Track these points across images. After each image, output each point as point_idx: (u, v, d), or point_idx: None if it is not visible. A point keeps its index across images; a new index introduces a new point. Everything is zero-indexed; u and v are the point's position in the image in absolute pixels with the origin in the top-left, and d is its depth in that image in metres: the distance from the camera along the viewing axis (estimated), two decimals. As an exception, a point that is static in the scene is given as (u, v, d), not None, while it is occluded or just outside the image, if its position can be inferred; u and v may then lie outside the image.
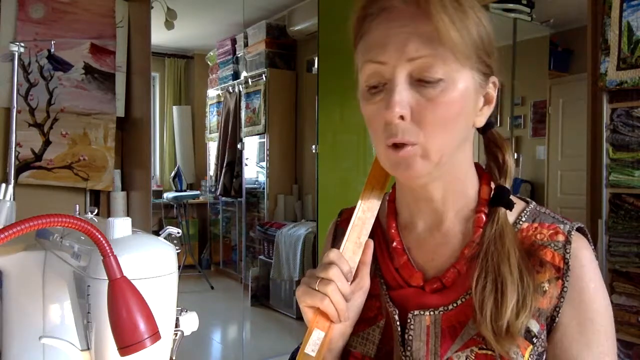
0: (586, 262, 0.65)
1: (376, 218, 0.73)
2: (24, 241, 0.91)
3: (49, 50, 2.34)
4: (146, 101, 2.53)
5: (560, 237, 0.66)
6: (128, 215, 1.33)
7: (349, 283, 0.67)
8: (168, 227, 0.81)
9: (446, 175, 0.67)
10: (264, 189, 4.68)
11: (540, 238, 0.66)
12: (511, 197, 0.69)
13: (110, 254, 0.55)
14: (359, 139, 3.03)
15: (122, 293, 0.55)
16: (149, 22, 2.47)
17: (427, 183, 0.67)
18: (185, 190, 5.03)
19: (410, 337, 0.66)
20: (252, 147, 4.87)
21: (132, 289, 0.56)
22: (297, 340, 0.67)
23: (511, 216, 0.69)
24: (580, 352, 0.63)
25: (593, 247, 0.67)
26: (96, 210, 0.92)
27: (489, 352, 0.62)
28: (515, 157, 3.58)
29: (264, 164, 4.68)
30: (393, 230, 0.73)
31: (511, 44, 3.27)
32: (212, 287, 4.77)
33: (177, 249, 0.73)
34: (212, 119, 5.24)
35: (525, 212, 0.70)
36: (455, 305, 0.66)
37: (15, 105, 2.03)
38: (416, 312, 0.67)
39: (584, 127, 2.10)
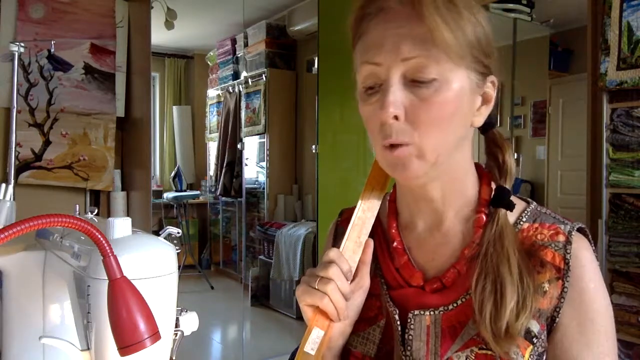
0: (586, 263, 0.65)
1: (377, 218, 0.74)
2: (24, 241, 0.91)
3: (49, 50, 2.34)
4: (146, 101, 2.53)
5: (561, 238, 0.66)
6: (128, 215, 1.33)
7: (349, 282, 0.68)
8: (168, 227, 0.81)
9: (445, 175, 0.67)
10: (264, 189, 4.68)
11: (541, 238, 0.66)
12: (512, 197, 0.69)
13: (110, 254, 0.55)
14: (359, 139, 3.03)
15: (122, 293, 0.55)
16: (149, 22, 2.47)
17: (425, 183, 0.67)
18: (185, 190, 5.03)
19: (410, 337, 0.66)
20: (252, 147, 4.87)
21: (132, 289, 0.56)
22: (297, 340, 0.67)
23: (512, 216, 0.69)
24: (581, 352, 0.63)
25: (594, 247, 0.67)
26: (96, 210, 0.92)
27: (489, 352, 0.62)
28: (515, 157, 3.58)
29: (264, 164, 4.68)
30: (394, 230, 0.73)
31: (511, 44, 3.27)
32: (212, 287, 4.77)
33: (177, 249, 0.73)
34: (212, 119, 5.24)
35: (526, 212, 0.70)
36: (455, 305, 0.66)
37: (15, 105, 2.03)
38: (416, 312, 0.67)
39: (584, 127, 2.10)
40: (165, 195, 4.96)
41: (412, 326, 0.67)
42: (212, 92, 5.27)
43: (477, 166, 0.72)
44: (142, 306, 0.56)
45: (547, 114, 3.58)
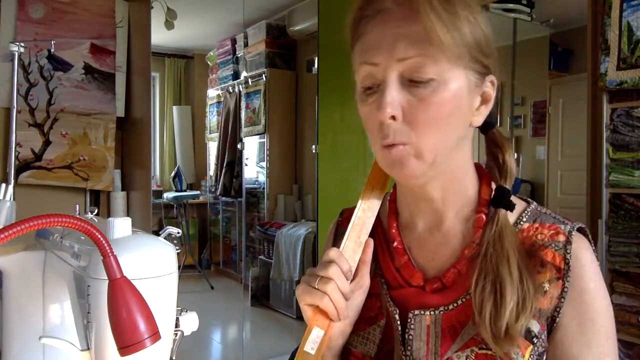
0: (586, 262, 0.65)
1: (377, 218, 0.74)
2: (24, 241, 0.91)
3: (49, 50, 2.34)
4: (146, 101, 2.53)
5: (561, 238, 0.66)
6: (128, 215, 1.33)
7: (349, 282, 0.68)
8: (168, 227, 0.81)
9: (444, 175, 0.67)
10: (264, 189, 4.68)
11: (541, 238, 0.66)
12: (512, 197, 0.69)
13: (110, 254, 0.55)
14: (359, 139, 3.03)
15: (122, 293, 0.55)
16: (149, 22, 2.47)
17: (424, 183, 0.67)
18: (185, 190, 5.03)
19: (410, 337, 0.66)
20: (252, 147, 4.87)
21: (132, 289, 0.56)
22: (297, 340, 0.67)
23: (512, 216, 0.69)
24: (581, 352, 0.63)
25: (594, 247, 0.67)
26: (96, 210, 0.92)
27: (489, 352, 0.62)
28: (516, 157, 3.58)
29: (264, 164, 4.68)
30: (394, 230, 0.73)
31: (511, 44, 3.28)
32: (212, 287, 4.77)
33: (177, 249, 0.73)
34: (212, 119, 5.24)
35: (526, 212, 0.70)
36: (455, 305, 0.66)
37: (15, 105, 2.03)
38: (416, 312, 0.67)
39: (584, 127, 2.10)
40: (165, 195, 4.96)
41: (412, 326, 0.67)
42: (212, 92, 5.27)
43: (477, 166, 0.72)
44: (142, 306, 0.56)
45: (547, 114, 3.58)
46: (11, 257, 0.89)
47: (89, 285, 0.67)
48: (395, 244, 0.72)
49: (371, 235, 0.72)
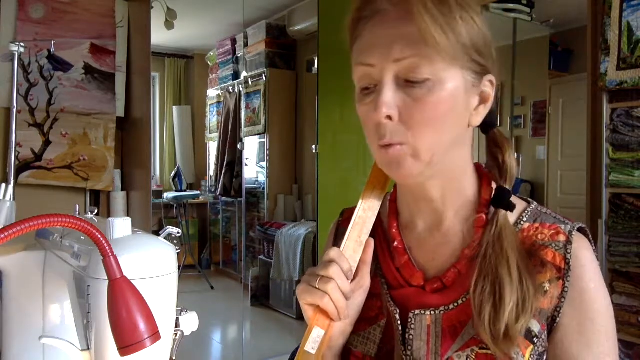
0: (587, 262, 0.65)
1: (378, 218, 0.74)
2: (24, 241, 0.91)
3: (49, 50, 2.34)
4: (146, 101, 2.53)
5: (561, 237, 0.66)
6: (128, 215, 1.33)
7: (349, 281, 0.68)
8: (168, 227, 0.81)
9: (443, 175, 0.67)
10: (264, 189, 4.68)
11: (541, 238, 0.66)
12: (512, 197, 0.69)
13: (110, 254, 0.55)
14: (359, 139, 3.03)
15: (122, 293, 0.55)
16: (149, 22, 2.47)
17: (423, 183, 0.67)
18: (185, 190, 5.03)
19: (411, 337, 0.66)
20: (252, 147, 4.87)
21: (132, 289, 0.56)
22: (297, 340, 0.67)
23: (512, 216, 0.69)
24: (581, 352, 0.63)
25: (594, 247, 0.67)
26: (96, 210, 0.92)
27: (490, 352, 0.62)
28: (516, 157, 3.58)
29: (264, 164, 4.68)
30: (394, 230, 0.73)
31: (511, 44, 3.28)
32: (212, 287, 4.77)
33: (177, 249, 0.73)
34: (212, 119, 5.24)
35: (526, 212, 0.70)
36: (455, 305, 0.66)
37: (15, 105, 2.03)
38: (417, 312, 0.67)
39: (584, 127, 2.10)
40: (165, 195, 4.96)
41: (412, 326, 0.67)
42: (212, 92, 5.27)
43: (478, 166, 0.72)
44: (142, 306, 0.56)
45: (547, 114, 3.58)
46: (11, 257, 0.89)
47: (89, 285, 0.67)
48: (396, 243, 0.72)
49: (371, 235, 0.72)
